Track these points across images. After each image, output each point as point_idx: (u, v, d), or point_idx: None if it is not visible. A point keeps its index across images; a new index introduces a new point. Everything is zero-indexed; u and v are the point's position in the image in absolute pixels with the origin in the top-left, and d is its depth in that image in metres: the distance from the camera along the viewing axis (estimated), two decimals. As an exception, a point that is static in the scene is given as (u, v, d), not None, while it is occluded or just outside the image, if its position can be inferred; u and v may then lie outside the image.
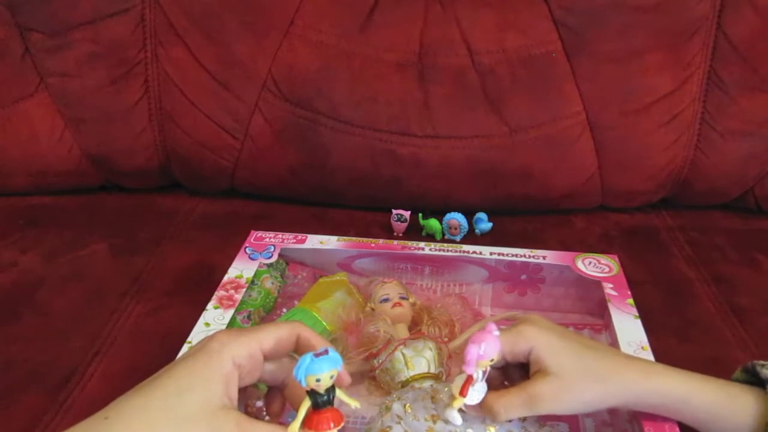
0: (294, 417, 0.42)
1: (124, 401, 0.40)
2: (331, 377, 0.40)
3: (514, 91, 0.88)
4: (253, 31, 0.89)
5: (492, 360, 0.45)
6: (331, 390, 0.41)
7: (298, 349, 0.44)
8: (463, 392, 0.46)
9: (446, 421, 0.48)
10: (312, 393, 0.41)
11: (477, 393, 0.47)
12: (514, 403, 0.47)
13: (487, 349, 0.44)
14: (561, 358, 0.47)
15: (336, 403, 0.42)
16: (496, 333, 0.45)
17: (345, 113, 0.89)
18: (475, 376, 0.46)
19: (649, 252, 0.86)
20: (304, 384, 0.40)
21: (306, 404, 0.41)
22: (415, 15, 0.89)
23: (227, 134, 0.92)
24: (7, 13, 0.91)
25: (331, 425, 0.41)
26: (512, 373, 0.52)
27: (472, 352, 0.44)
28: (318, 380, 0.40)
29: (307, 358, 0.40)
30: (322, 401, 0.41)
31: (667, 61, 0.87)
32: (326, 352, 0.40)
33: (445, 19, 0.88)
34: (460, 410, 0.48)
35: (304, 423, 0.42)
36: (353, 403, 0.43)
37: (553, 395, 0.47)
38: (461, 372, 0.46)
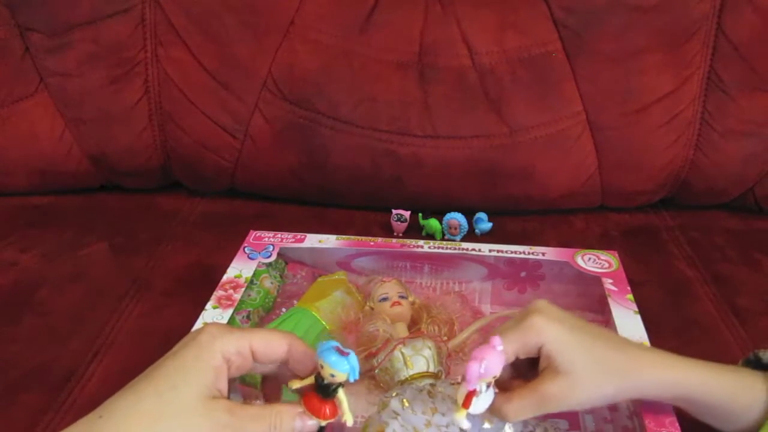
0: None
1: (117, 399, 0.40)
2: (342, 381, 0.41)
3: (514, 91, 0.88)
4: (253, 31, 0.89)
5: (495, 376, 0.43)
6: (337, 386, 0.42)
7: (289, 360, 0.44)
8: (465, 405, 0.44)
9: (444, 415, 0.48)
10: (320, 380, 0.42)
11: (483, 402, 0.45)
12: (524, 406, 0.46)
13: (488, 366, 0.42)
14: (572, 354, 0.46)
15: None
16: (500, 348, 0.43)
17: (345, 113, 0.89)
18: (478, 389, 0.44)
19: (649, 252, 0.86)
20: (319, 367, 0.41)
21: (311, 379, 0.43)
22: (415, 15, 0.89)
23: (227, 134, 0.93)
24: (7, 13, 0.91)
25: (327, 412, 0.42)
26: (521, 367, 0.49)
27: (473, 369, 0.42)
28: (332, 375, 0.41)
29: (334, 352, 0.40)
30: (324, 390, 0.42)
31: (667, 61, 0.87)
32: (348, 354, 0.41)
33: (445, 19, 0.88)
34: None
35: (303, 400, 0.43)
36: (347, 416, 0.43)
37: (565, 394, 0.45)
38: (463, 382, 0.44)
